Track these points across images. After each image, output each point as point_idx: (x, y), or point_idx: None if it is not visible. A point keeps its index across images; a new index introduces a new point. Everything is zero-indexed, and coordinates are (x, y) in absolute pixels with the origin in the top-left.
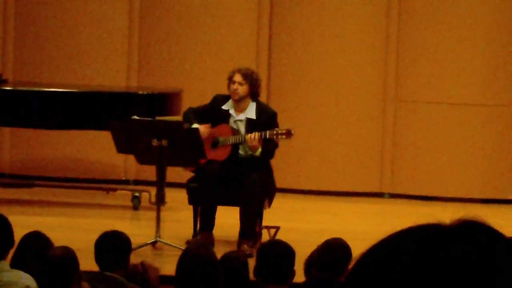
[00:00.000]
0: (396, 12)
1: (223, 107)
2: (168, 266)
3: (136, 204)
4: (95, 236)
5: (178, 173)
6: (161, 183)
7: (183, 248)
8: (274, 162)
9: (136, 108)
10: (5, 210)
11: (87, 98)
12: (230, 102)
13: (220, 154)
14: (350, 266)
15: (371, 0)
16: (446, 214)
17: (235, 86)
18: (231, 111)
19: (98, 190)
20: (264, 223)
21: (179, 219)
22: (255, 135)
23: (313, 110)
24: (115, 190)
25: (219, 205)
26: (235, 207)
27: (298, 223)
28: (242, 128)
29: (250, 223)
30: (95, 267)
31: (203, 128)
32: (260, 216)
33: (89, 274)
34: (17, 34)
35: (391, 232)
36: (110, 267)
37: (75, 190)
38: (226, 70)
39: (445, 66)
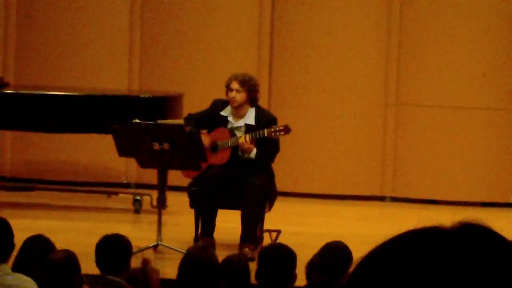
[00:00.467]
0: (397, 16)
1: (222, 113)
2: (169, 270)
3: (137, 207)
4: (96, 240)
5: (179, 177)
6: (162, 187)
7: (185, 251)
8: (275, 166)
9: (137, 112)
10: (6, 214)
11: (88, 101)
12: (229, 108)
13: (220, 158)
14: (351, 269)
15: (372, 4)
16: (447, 218)
17: (232, 94)
18: (230, 118)
19: (99, 193)
20: (266, 226)
21: (180, 223)
22: (246, 137)
23: (314, 114)
24: (116, 193)
25: (220, 208)
26: (236, 211)
27: (300, 227)
28: (241, 134)
29: (252, 227)
30: (96, 271)
31: (202, 137)
32: (261, 219)
33: (90, 277)
34: (18, 37)
35: (392, 235)
36: (111, 271)
37: (76, 193)
38: (228, 74)
39: (446, 69)
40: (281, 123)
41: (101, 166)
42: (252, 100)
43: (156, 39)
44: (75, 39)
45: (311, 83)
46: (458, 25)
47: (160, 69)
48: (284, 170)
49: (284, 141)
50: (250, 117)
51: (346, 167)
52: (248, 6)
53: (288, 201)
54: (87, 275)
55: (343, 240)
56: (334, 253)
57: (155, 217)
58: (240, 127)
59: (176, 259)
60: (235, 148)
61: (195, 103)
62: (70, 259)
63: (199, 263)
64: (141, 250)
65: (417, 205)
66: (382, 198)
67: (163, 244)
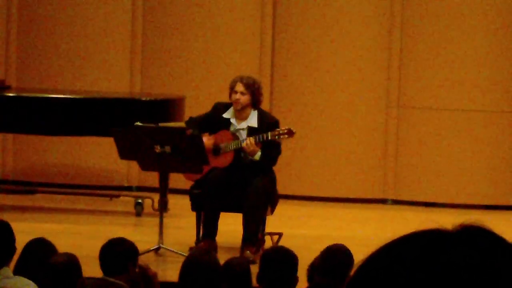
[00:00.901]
0: (399, 19)
1: (224, 115)
2: (171, 273)
3: (139, 210)
4: (97, 243)
5: (181, 180)
6: (164, 190)
7: (186, 254)
8: (277, 169)
9: (139, 115)
10: (7, 217)
11: (90, 104)
12: (231, 110)
13: (223, 161)
14: (352, 272)
15: (373, 7)
16: (449, 220)
17: (237, 96)
18: (232, 120)
19: (101, 196)
20: (267, 229)
21: (182, 226)
22: (250, 140)
23: (315, 117)
24: (118, 196)
25: (222, 211)
26: (238, 214)
27: (301, 230)
28: (243, 136)
29: (253, 230)
30: (97, 274)
31: (205, 139)
32: (263, 222)
33: (92, 280)
34: (20, 40)
35: (393, 238)
36: (114, 274)
37: (77, 196)
38: (229, 76)
39: (447, 72)
40: (282, 125)
41: (103, 169)
42: (255, 103)
43: (158, 42)
44: (77, 42)
45: (312, 86)
46: (460, 28)
47: (161, 72)
48: (286, 173)
49: (286, 144)
50: (252, 120)
51: (347, 170)
52: (249, 9)
53: (290, 204)
54: (89, 278)
55: (344, 243)
56: (335, 256)
57: (156, 220)
58: (243, 129)
59: (178, 262)
60: (238, 151)
61: (196, 106)
62: (71, 262)
63: (200, 266)
64: (143, 253)
65: (418, 208)
66: (383, 201)
67: (165, 247)
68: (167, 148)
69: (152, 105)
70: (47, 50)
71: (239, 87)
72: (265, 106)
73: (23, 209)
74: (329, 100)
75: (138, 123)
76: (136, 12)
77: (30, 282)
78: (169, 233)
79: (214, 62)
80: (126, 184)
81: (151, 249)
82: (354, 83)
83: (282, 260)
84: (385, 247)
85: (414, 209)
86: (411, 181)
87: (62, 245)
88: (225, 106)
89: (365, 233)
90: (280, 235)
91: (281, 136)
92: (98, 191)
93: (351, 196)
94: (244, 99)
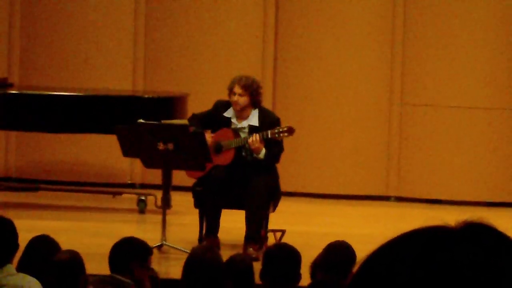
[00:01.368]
0: (402, 17)
1: (225, 114)
2: (174, 270)
3: (142, 207)
4: (101, 240)
5: (184, 177)
6: (167, 187)
7: (189, 251)
8: (279, 166)
9: (142, 112)
10: (10, 214)
11: (93, 101)
12: (231, 109)
13: (224, 159)
14: (355, 269)
15: (376, 5)
16: (452, 217)
17: (235, 97)
18: (233, 120)
19: (104, 193)
20: (270, 226)
21: (185, 223)
22: (255, 137)
23: (318, 115)
24: (121, 193)
25: (225, 208)
26: (241, 211)
27: (304, 227)
28: (244, 136)
29: (256, 227)
30: (101, 271)
31: (206, 136)
32: (265, 219)
33: (99, 277)
34: (23, 38)
35: (396, 235)
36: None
37: (80, 193)
38: (232, 74)
39: (451, 69)
40: (285, 123)
41: (106, 167)
42: (255, 103)
43: (161, 40)
44: (80, 40)
45: (315, 83)
46: (462, 25)
47: (164, 69)
48: (289, 170)
49: (289, 141)
50: (253, 119)
51: (350, 167)
52: (252, 8)
53: (293, 201)
54: (96, 275)
55: (347, 240)
56: (338, 252)
57: (159, 217)
58: (244, 128)
59: (181, 259)
60: (239, 149)
61: (199, 103)
62: (74, 259)
63: (203, 263)
64: None
65: (421, 205)
66: (386, 198)
67: (168, 244)
68: (170, 145)
69: (154, 102)
70: (49, 47)
71: (237, 89)
72: (267, 104)
73: (26, 206)
74: (332, 98)
75: (141, 121)
76: (139, 10)
77: (33, 279)
78: (172, 230)
79: (217, 60)
80: (129, 181)
81: (154, 246)
82: (357, 81)
83: (285, 257)
84: (388, 244)
85: (417, 206)
86: (414, 178)
87: (65, 243)
88: (226, 105)
89: (368, 230)
90: (283, 232)
91: (281, 134)
92: (101, 189)
93: (354, 193)
94: (243, 100)
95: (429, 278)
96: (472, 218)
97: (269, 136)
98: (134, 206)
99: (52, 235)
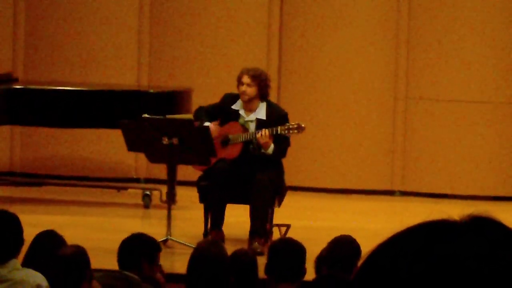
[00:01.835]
0: (406, 11)
1: (233, 107)
2: (179, 264)
3: (147, 202)
4: (105, 235)
5: (189, 172)
6: (171, 182)
7: (194, 246)
8: (284, 161)
9: (146, 107)
10: (16, 209)
11: (97, 96)
12: (239, 102)
13: (230, 153)
14: (360, 263)
15: (381, 0)
16: (457, 211)
17: (243, 87)
18: (241, 112)
19: (108, 188)
20: (275, 221)
21: (190, 218)
22: (265, 132)
23: (323, 109)
24: (126, 188)
25: (230, 203)
26: (246, 205)
27: (309, 221)
28: (252, 128)
29: (261, 221)
30: (106, 266)
31: (213, 126)
32: (271, 214)
33: (107, 272)
34: (27, 33)
35: (401, 229)
36: (129, 268)
37: (85, 188)
38: (237, 68)
39: (455, 63)
40: (290, 118)
41: (111, 161)
42: (263, 95)
43: (165, 34)
44: (84, 34)
45: (320, 79)
46: (467, 19)
47: (169, 64)
48: (294, 164)
49: (294, 135)
50: (261, 112)
51: (355, 162)
52: (257, 2)
53: (298, 195)
54: (104, 270)
55: (352, 234)
56: (343, 247)
57: (164, 212)
58: (251, 121)
59: (186, 254)
60: (247, 143)
61: (204, 98)
62: (79, 254)
63: (208, 257)
64: None
65: (426, 199)
66: (391, 192)
67: (173, 239)
68: (175, 140)
69: (159, 97)
70: (54, 42)
71: (246, 79)
72: (272, 98)
73: (31, 201)
74: (337, 92)
75: (146, 115)
76: (144, 5)
77: (39, 274)
78: (177, 225)
79: (222, 54)
80: (134, 176)
81: (160, 241)
82: (362, 75)
83: (290, 251)
84: (392, 238)
85: (422, 201)
86: (418, 172)
87: (70, 237)
88: (234, 97)
89: (373, 224)
90: (288, 226)
91: (291, 131)
92: (106, 183)
93: (359, 187)
94: (251, 90)
95: (434, 272)
96: (477, 212)
97: (279, 132)
98: (139, 201)
99: (57, 230)
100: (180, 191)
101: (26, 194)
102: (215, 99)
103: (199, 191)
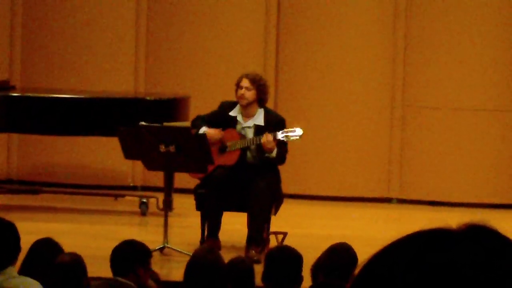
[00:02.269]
0: (403, 18)
1: (231, 113)
2: (176, 272)
3: (144, 210)
4: (102, 243)
5: (185, 179)
6: (168, 189)
7: (191, 254)
8: (282, 168)
9: (144, 114)
10: (12, 216)
11: (94, 104)
12: (237, 108)
13: (228, 160)
14: (357, 271)
15: (378, 6)
16: (454, 219)
17: (242, 91)
18: (239, 118)
19: (105, 196)
20: (272, 229)
21: (187, 225)
22: (269, 137)
23: (320, 116)
24: (123, 196)
25: (227, 210)
26: (243, 213)
27: (306, 229)
28: (250, 134)
29: (258, 229)
30: (103, 273)
31: (213, 131)
32: (267, 222)
33: (102, 280)
34: (24, 40)
35: (398, 237)
36: (122, 275)
37: (82, 196)
38: (234, 76)
39: (452, 71)
40: (288, 126)
41: (108, 169)
42: (261, 100)
43: (162, 42)
44: (81, 42)
45: (317, 85)
46: (464, 27)
47: (166, 71)
48: (291, 172)
49: (291, 142)
50: (259, 118)
51: (352, 169)
52: (254, 8)
53: (295, 203)
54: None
55: (349, 242)
56: (340, 255)
57: (161, 220)
58: (249, 127)
59: (183, 262)
60: (244, 151)
61: (201, 105)
62: (76, 262)
63: (205, 265)
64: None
65: (423, 207)
66: (388, 200)
67: (170, 246)
68: (172, 148)
69: (157, 104)
70: (51, 50)
71: (245, 82)
72: (270, 105)
73: (28, 209)
74: (334, 99)
75: (143, 123)
76: (141, 12)
77: (35, 282)
78: (174, 233)
79: (219, 61)
80: (131, 184)
81: (156, 248)
82: (359, 82)
83: (287, 259)
84: (390, 246)
85: (419, 208)
86: (416, 180)
87: (67, 245)
88: (232, 105)
89: (370, 232)
90: (285, 234)
91: (290, 137)
92: (103, 191)
93: (356, 195)
94: (250, 94)
95: (431, 281)
96: (474, 221)
97: (278, 137)
98: (136, 208)
99: (54, 238)
100: (177, 199)
101: (23, 202)
102: (213, 106)
103: (196, 199)
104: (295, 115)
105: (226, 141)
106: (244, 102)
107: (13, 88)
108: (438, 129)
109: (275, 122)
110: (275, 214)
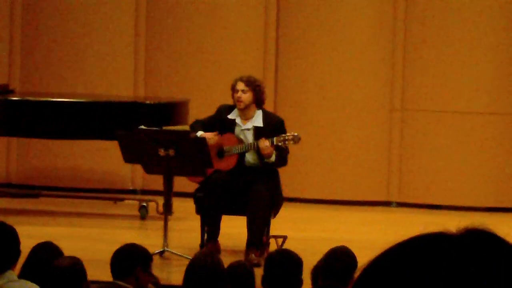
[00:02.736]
0: (402, 22)
1: (229, 116)
2: (175, 276)
3: (143, 214)
4: (102, 246)
5: (185, 183)
6: (168, 193)
7: (191, 257)
8: (281, 171)
9: (143, 118)
10: (12, 220)
11: (94, 107)
12: (235, 111)
13: (226, 164)
14: (356, 275)
15: (377, 10)
16: (453, 223)
17: (238, 94)
18: (237, 120)
19: (105, 200)
20: (272, 232)
21: (186, 229)
22: (266, 143)
23: (319, 119)
24: (122, 200)
25: (226, 214)
26: (242, 217)
27: (306, 233)
28: (249, 136)
29: (258, 233)
30: (102, 277)
31: (211, 135)
32: (267, 225)
33: (103, 284)
34: (23, 44)
35: (398, 241)
36: (122, 278)
37: (82, 200)
38: (233, 79)
39: (451, 74)
40: (287, 127)
41: (107, 173)
42: (258, 101)
43: (161, 46)
44: (80, 46)
45: (316, 89)
46: (463, 30)
47: (165, 75)
48: (290, 175)
49: (290, 146)
50: (258, 120)
51: (351, 173)
52: (253, 12)
53: (294, 206)
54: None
55: (348, 246)
56: (339, 258)
57: (161, 223)
58: (248, 129)
59: (182, 265)
60: (242, 155)
61: (201, 109)
62: (76, 265)
63: (205, 269)
64: None
65: (423, 211)
66: (387, 204)
67: (169, 250)
68: (171, 151)
69: (156, 108)
70: (50, 54)
71: (240, 85)
72: (269, 108)
73: (27, 212)
74: (333, 102)
75: (142, 127)
76: (140, 15)
77: (35, 285)
78: (173, 236)
79: (218, 65)
80: (130, 188)
81: (156, 252)
82: (358, 86)
83: (287, 263)
84: (389, 250)
85: (418, 212)
86: (415, 183)
87: (66, 249)
88: (230, 108)
89: (369, 235)
90: (284, 238)
91: (287, 142)
92: (103, 195)
93: (356, 198)
94: (246, 96)
95: (430, 284)
96: (473, 224)
97: (275, 143)
98: (135, 212)
99: (53, 241)
100: (177, 202)
101: (22, 206)
102: (212, 110)
103: (196, 202)
104: (294, 118)
105: (224, 145)
106: (242, 105)
107: (12, 92)
108: (437, 132)
109: (274, 124)
110: (274, 217)
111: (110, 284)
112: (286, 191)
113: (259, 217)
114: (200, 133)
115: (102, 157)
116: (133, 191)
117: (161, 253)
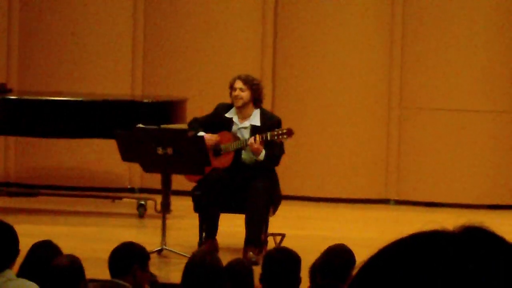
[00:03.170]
0: (400, 20)
1: (227, 115)
2: (174, 274)
3: (141, 212)
4: (100, 245)
5: (183, 181)
6: (166, 191)
7: (189, 256)
8: (279, 169)
9: (141, 117)
10: (10, 219)
11: (92, 106)
12: (233, 110)
13: (223, 162)
14: (354, 272)
15: (375, 8)
16: (451, 221)
17: (236, 92)
18: (235, 119)
19: (103, 198)
20: (270, 230)
21: (184, 227)
22: (255, 138)
23: (317, 117)
24: (120, 198)
25: (224, 212)
26: (241, 215)
27: (304, 231)
28: (247, 135)
29: (256, 231)
30: (100, 276)
31: (209, 136)
32: (265, 223)
33: (100, 282)
34: (21, 43)
35: (396, 238)
36: (120, 276)
37: (80, 198)
38: (231, 78)
39: (449, 72)
40: (285, 126)
41: (105, 171)
42: (256, 100)
43: (159, 44)
44: (78, 45)
45: (314, 87)
46: (461, 28)
47: (163, 74)
48: (288, 173)
49: (288, 144)
50: (255, 118)
51: (350, 170)
52: (251, 11)
53: (292, 204)
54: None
55: (347, 243)
56: (338, 256)
57: (159, 222)
58: (246, 128)
59: (181, 264)
60: (238, 152)
61: (198, 107)
62: (74, 264)
63: (203, 267)
64: None
65: (421, 208)
66: (386, 201)
67: (168, 248)
68: (169, 150)
69: (154, 107)
70: (48, 52)
71: (238, 84)
72: (267, 107)
73: (25, 211)
74: (331, 101)
75: (140, 125)
76: (137, 15)
77: (33, 284)
78: (172, 235)
79: (216, 64)
80: (128, 186)
81: (154, 250)
82: (356, 84)
83: (285, 260)
84: (387, 248)
85: (417, 210)
86: (413, 181)
87: (65, 247)
88: (227, 107)
89: (367, 233)
90: (283, 236)
91: (280, 137)
92: (101, 193)
93: (354, 196)
94: (244, 95)
95: (428, 283)
96: (471, 222)
97: (268, 138)
98: (133, 210)
99: (52, 240)
100: (175, 201)
101: (21, 204)
102: (209, 108)
103: (194, 201)
104: (292, 117)
105: (220, 143)
106: (240, 102)
107: (10, 91)
108: (435, 130)
109: (271, 122)
110: (273, 214)
111: (108, 282)
112: (284, 189)
113: (257, 215)
114: (201, 134)
115: (100, 156)
116: (131, 190)
117: (159, 252)
